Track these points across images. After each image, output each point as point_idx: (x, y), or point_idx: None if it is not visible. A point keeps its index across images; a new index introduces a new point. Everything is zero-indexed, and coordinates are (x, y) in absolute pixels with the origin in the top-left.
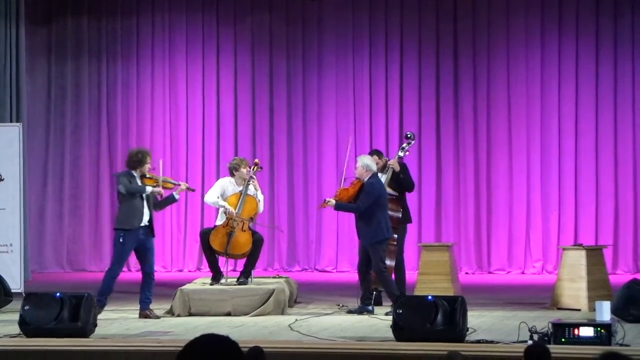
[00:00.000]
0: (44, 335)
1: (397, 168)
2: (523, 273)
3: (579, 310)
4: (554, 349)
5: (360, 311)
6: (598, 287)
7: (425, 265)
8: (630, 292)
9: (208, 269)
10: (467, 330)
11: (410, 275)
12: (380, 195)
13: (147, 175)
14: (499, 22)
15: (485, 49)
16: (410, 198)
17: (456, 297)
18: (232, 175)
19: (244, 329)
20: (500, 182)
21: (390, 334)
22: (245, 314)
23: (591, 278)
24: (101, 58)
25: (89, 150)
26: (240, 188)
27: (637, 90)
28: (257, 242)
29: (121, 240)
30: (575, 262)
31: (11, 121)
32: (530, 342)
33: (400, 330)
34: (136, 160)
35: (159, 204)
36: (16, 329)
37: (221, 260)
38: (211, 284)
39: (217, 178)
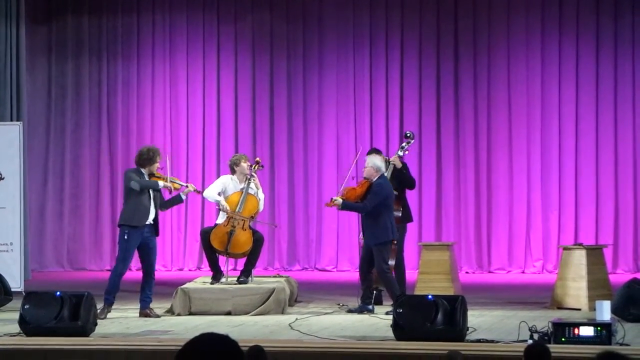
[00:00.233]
0: (44, 334)
1: (399, 165)
2: (523, 272)
3: (579, 309)
4: (554, 348)
5: (360, 310)
6: (598, 286)
7: (426, 265)
8: (631, 291)
9: (208, 268)
10: (467, 330)
11: (410, 274)
12: (387, 197)
13: (156, 175)
14: (500, 22)
15: (485, 49)
16: (411, 197)
17: (456, 296)
18: (233, 172)
19: (244, 328)
20: (501, 182)
21: (390, 333)
22: (246, 313)
23: (591, 277)
24: (102, 57)
25: (90, 149)
26: (242, 186)
27: (637, 90)
28: (257, 241)
29: (126, 237)
30: (576, 261)
31: (11, 120)
32: (530, 341)
33: (401, 330)
34: (146, 158)
35: (164, 203)
36: (16, 328)
37: (221, 260)
38: (211, 283)
39: (217, 177)
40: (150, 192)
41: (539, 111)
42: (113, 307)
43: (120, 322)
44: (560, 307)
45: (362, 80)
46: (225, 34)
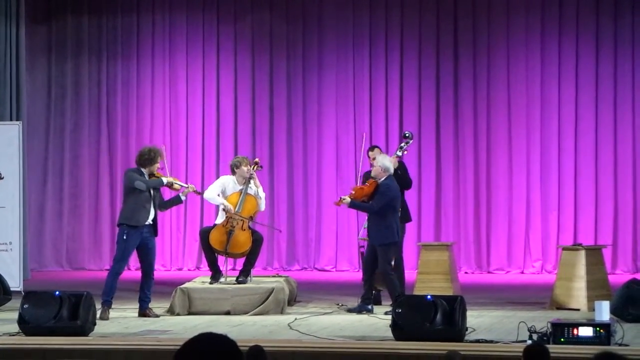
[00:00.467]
0: (43, 334)
1: (396, 164)
2: (522, 273)
3: (578, 310)
4: (553, 348)
5: (359, 310)
6: (597, 286)
7: (425, 265)
8: (630, 291)
9: (207, 268)
10: (467, 330)
11: (409, 274)
12: (394, 198)
13: (156, 175)
14: (499, 22)
15: (485, 49)
16: (410, 197)
17: (455, 296)
18: (233, 173)
19: (243, 328)
20: (500, 182)
21: (389, 333)
22: (245, 313)
23: (590, 278)
24: (101, 57)
25: (89, 149)
26: (241, 187)
27: (637, 90)
28: (256, 241)
29: (125, 237)
30: (575, 261)
31: (11, 120)
32: (529, 341)
33: (400, 330)
34: (147, 158)
35: (163, 204)
36: (15, 328)
37: (221, 259)
38: (211, 283)
39: (217, 177)
40: (151, 192)
41: (539, 111)
42: (112, 307)
43: (120, 321)
44: (559, 308)
45: (361, 80)
46: (224, 34)
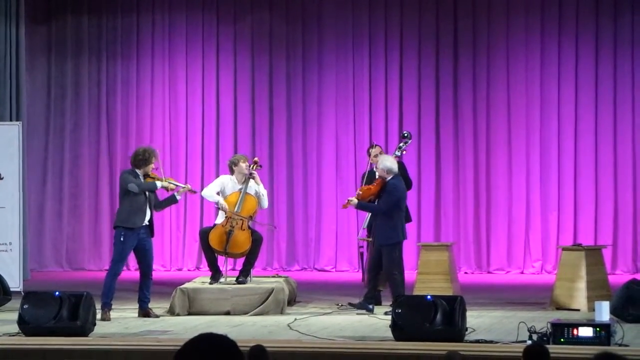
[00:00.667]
0: (43, 334)
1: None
2: (522, 273)
3: (578, 310)
4: (553, 349)
5: (360, 306)
6: (597, 287)
7: (425, 265)
8: (630, 292)
9: (207, 268)
10: (466, 330)
11: (409, 274)
12: (400, 198)
13: (150, 175)
14: (499, 22)
15: (485, 49)
16: (410, 197)
17: (455, 296)
18: (231, 171)
19: (243, 328)
20: (500, 182)
21: (389, 333)
22: (245, 313)
23: (590, 278)
24: (101, 57)
25: (89, 149)
26: (241, 186)
27: (637, 91)
28: (256, 241)
29: (122, 239)
30: (575, 262)
31: (11, 120)
32: (529, 342)
33: (400, 330)
34: (141, 159)
35: (159, 204)
36: (15, 328)
37: (220, 259)
38: (210, 283)
39: (217, 177)
40: (146, 193)
41: (538, 111)
42: (112, 307)
43: (119, 322)
44: (559, 308)
45: (361, 80)
46: (224, 34)
